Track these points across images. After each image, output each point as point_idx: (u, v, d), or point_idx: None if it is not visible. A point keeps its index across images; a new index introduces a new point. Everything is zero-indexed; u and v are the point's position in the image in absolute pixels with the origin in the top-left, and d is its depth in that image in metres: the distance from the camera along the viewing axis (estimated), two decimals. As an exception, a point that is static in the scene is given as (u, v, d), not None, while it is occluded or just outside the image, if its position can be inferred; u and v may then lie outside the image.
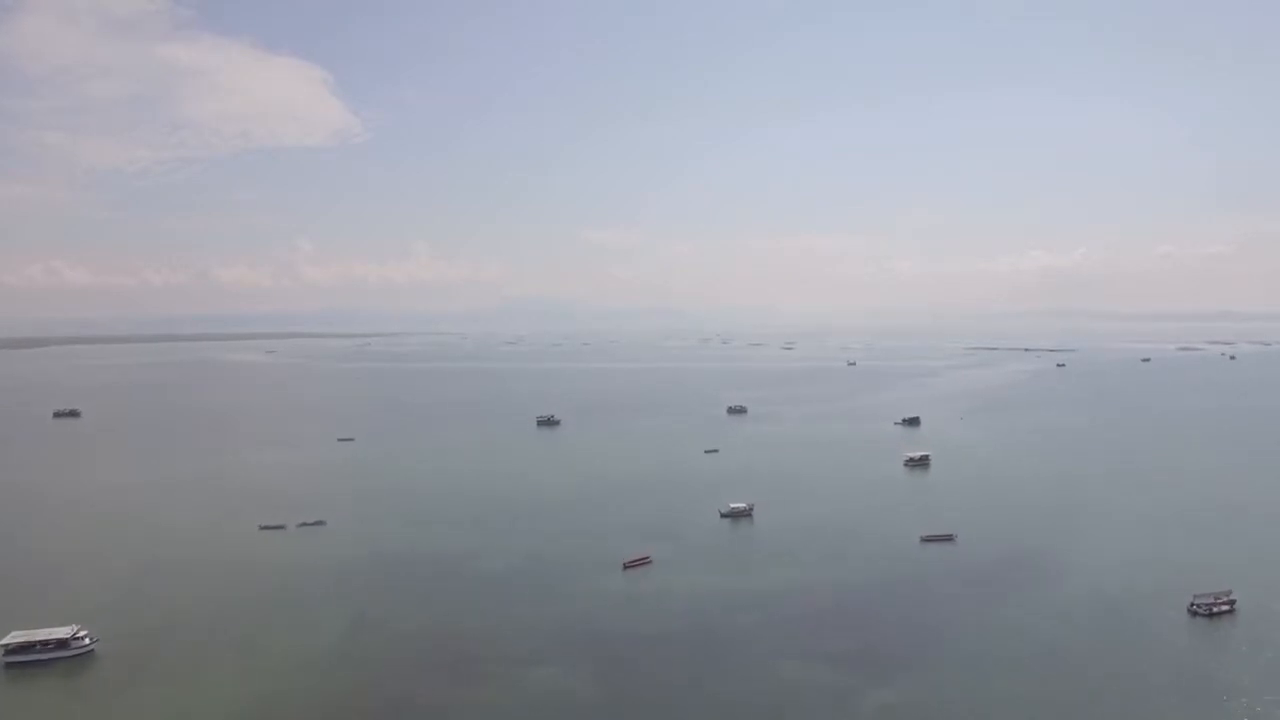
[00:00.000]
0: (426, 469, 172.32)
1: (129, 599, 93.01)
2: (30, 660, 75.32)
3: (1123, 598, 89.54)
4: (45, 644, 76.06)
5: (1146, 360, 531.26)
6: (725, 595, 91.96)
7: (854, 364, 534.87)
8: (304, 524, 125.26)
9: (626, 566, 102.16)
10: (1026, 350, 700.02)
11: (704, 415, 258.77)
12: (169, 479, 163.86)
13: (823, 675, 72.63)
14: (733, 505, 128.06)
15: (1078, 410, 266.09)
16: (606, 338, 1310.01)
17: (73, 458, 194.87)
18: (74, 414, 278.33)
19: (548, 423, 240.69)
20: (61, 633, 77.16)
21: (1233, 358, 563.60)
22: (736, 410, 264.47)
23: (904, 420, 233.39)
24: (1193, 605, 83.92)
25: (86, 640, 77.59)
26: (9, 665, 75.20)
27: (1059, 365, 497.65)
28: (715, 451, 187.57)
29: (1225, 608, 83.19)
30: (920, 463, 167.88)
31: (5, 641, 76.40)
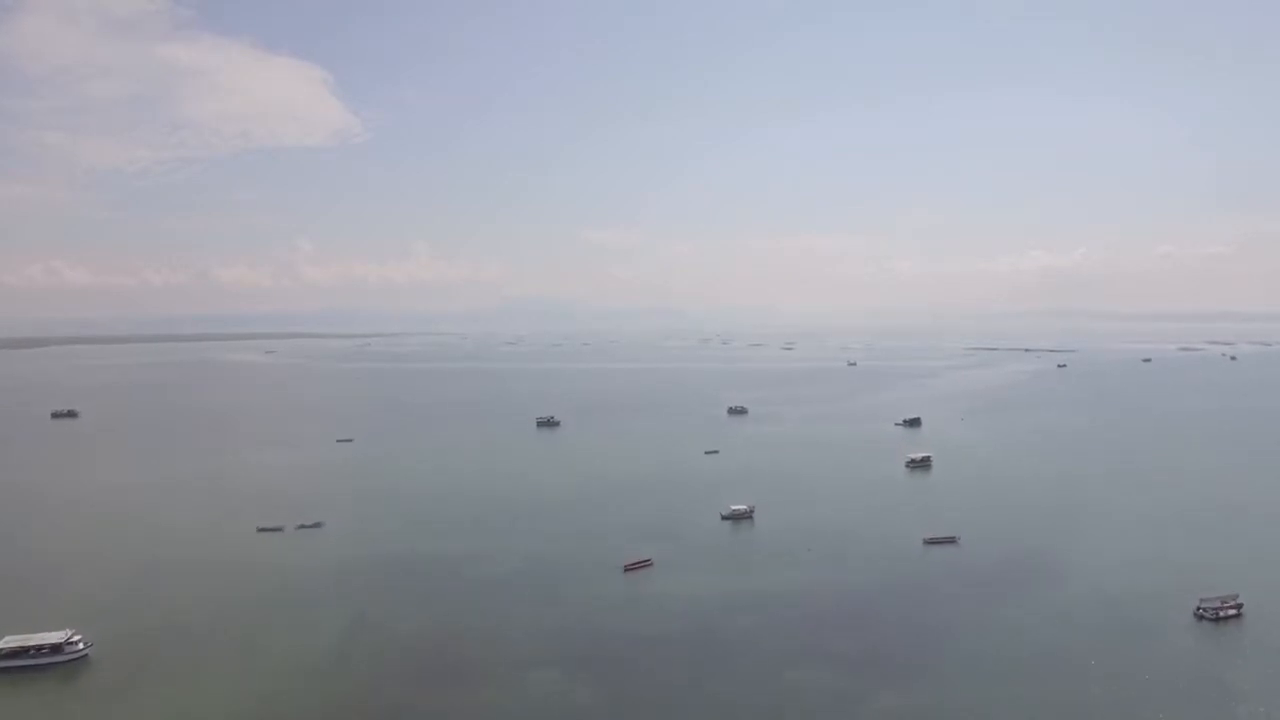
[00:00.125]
0: (426, 470, 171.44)
1: (124, 602, 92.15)
2: (22, 666, 74.31)
3: (1128, 601, 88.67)
4: (38, 649, 75.12)
5: (1147, 361, 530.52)
6: (727, 598, 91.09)
7: (854, 364, 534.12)
8: (302, 526, 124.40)
9: (627, 569, 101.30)
10: (1027, 351, 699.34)
11: (704, 416, 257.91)
12: (167, 480, 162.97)
13: (826, 679, 71.77)
14: (734, 507, 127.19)
15: (1079, 411, 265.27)
16: (606, 338, 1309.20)
17: (70, 458, 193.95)
18: (72, 414, 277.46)
19: (547, 423, 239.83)
20: (55, 637, 76.22)
21: (1233, 358, 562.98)
22: (737, 411, 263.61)
23: (905, 421, 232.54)
24: (1199, 609, 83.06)
25: (80, 645, 76.68)
26: (0, 671, 74.14)
27: (1059, 366, 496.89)
28: (716, 452, 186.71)
29: (1232, 612, 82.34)
30: (922, 464, 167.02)
31: (-3, 646, 75.42)
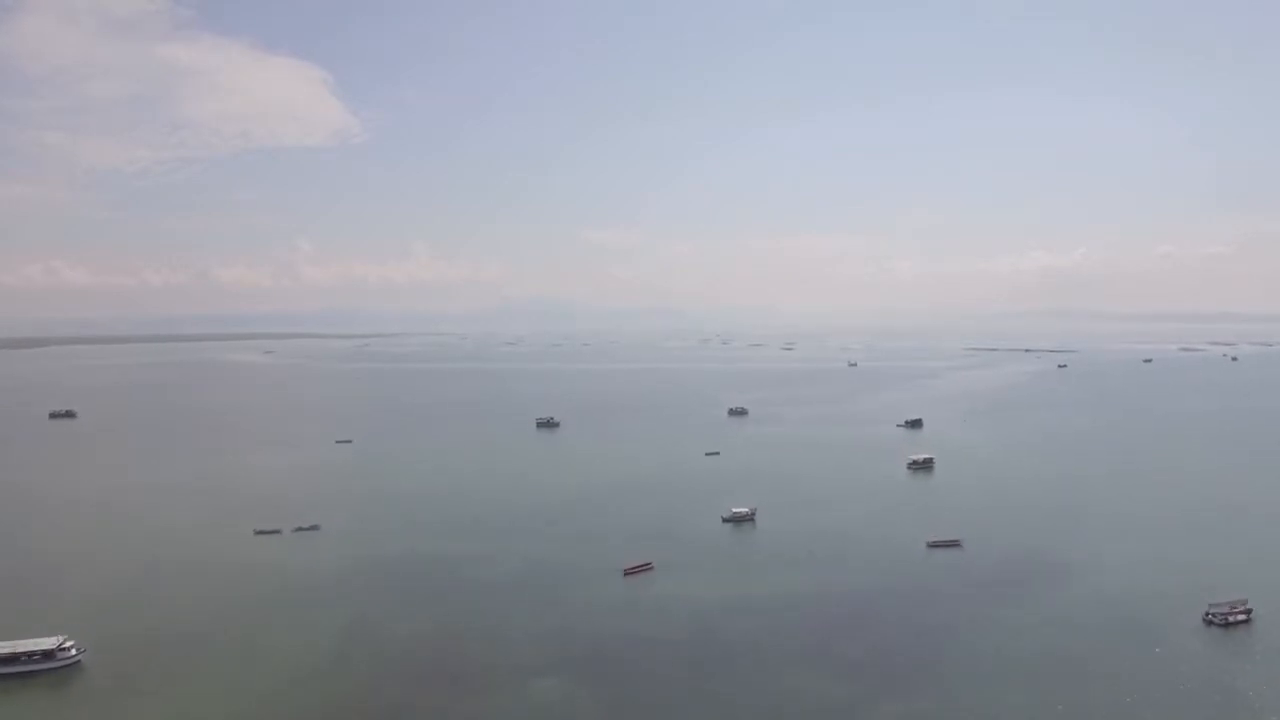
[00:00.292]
0: (424, 472, 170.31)
1: (119, 607, 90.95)
2: (13, 673, 73.12)
3: (1134, 605, 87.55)
4: (30, 655, 73.90)
5: (1148, 361, 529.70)
6: (729, 603, 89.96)
7: (854, 365, 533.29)
8: (300, 528, 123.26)
9: (628, 573, 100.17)
10: (1027, 351, 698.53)
11: (704, 417, 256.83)
12: (164, 482, 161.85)
13: (829, 684, 70.69)
14: (735, 510, 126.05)
15: (1081, 412, 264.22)
16: (606, 338, 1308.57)
17: (66, 460, 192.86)
18: (70, 415, 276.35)
19: (547, 424, 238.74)
20: (47, 643, 75.02)
21: (1234, 359, 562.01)
22: (737, 412, 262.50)
23: (906, 422, 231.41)
24: (1208, 615, 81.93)
25: (73, 651, 75.48)
26: (-8, 677, 72.95)
27: (1060, 366, 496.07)
28: (716, 454, 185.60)
29: (1241, 617, 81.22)
30: (924, 465, 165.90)
31: (-12, 652, 74.24)
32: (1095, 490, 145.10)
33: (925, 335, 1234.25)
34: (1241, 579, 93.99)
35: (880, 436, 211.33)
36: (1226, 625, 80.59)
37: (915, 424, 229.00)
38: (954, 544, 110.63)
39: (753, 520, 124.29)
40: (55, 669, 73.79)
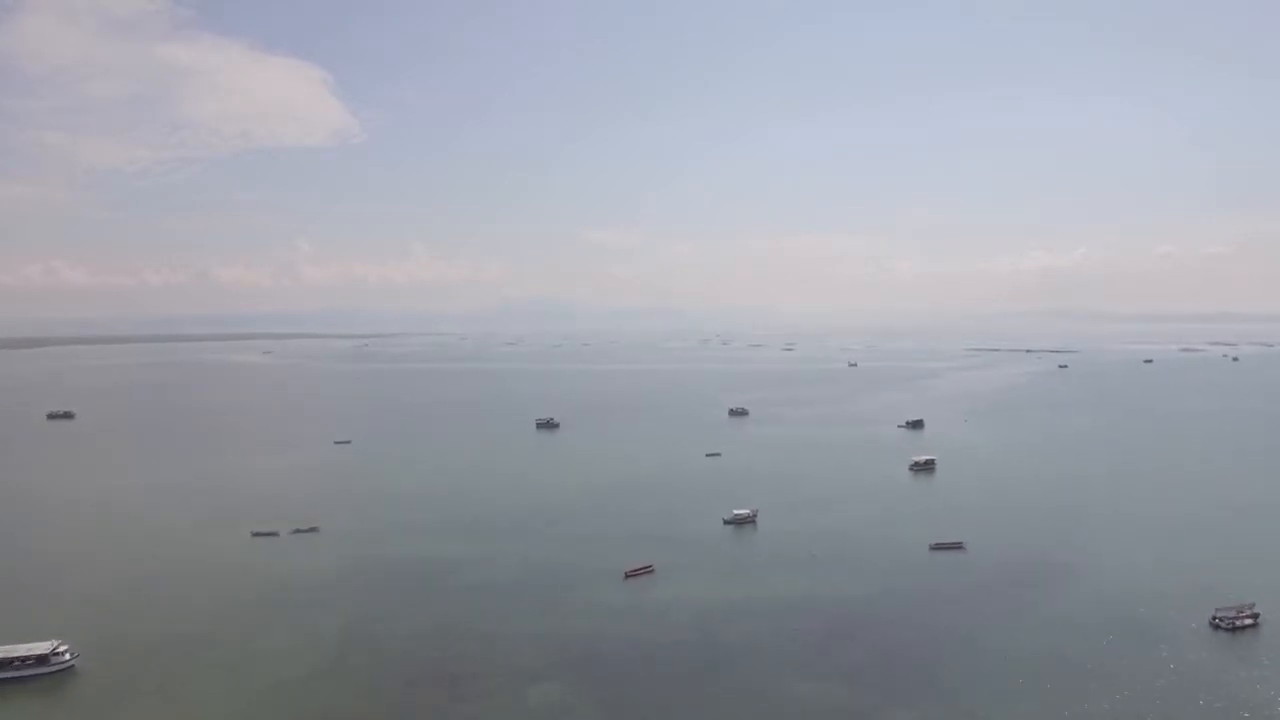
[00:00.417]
0: (423, 473, 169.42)
1: (113, 611, 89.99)
2: (5, 678, 72.06)
3: (1140, 610, 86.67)
4: (23, 660, 72.84)
5: (1149, 362, 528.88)
6: (731, 607, 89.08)
7: (855, 365, 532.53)
8: (298, 530, 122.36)
9: (628, 576, 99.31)
10: (1028, 351, 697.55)
11: (705, 417, 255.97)
12: (161, 483, 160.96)
13: (832, 691, 69.80)
14: (736, 512, 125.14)
15: (1082, 412, 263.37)
16: (606, 338, 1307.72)
17: (63, 461, 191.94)
18: (68, 415, 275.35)
19: (547, 425, 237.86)
20: (40, 648, 73.97)
21: (1236, 359, 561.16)
22: (738, 412, 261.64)
23: (908, 423, 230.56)
24: (1215, 619, 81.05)
25: (67, 655, 74.45)
26: (-16, 683, 72.03)
27: (1061, 367, 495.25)
28: (717, 455, 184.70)
29: (1249, 621, 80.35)
30: (926, 467, 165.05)
31: (-20, 657, 73.27)
32: (1098, 492, 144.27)
33: (925, 335, 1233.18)
34: (1247, 582, 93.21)
35: (881, 437, 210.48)
36: (1234, 629, 79.70)
37: (916, 425, 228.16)
38: (957, 546, 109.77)
39: (754, 522, 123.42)
40: (49, 674, 72.80)
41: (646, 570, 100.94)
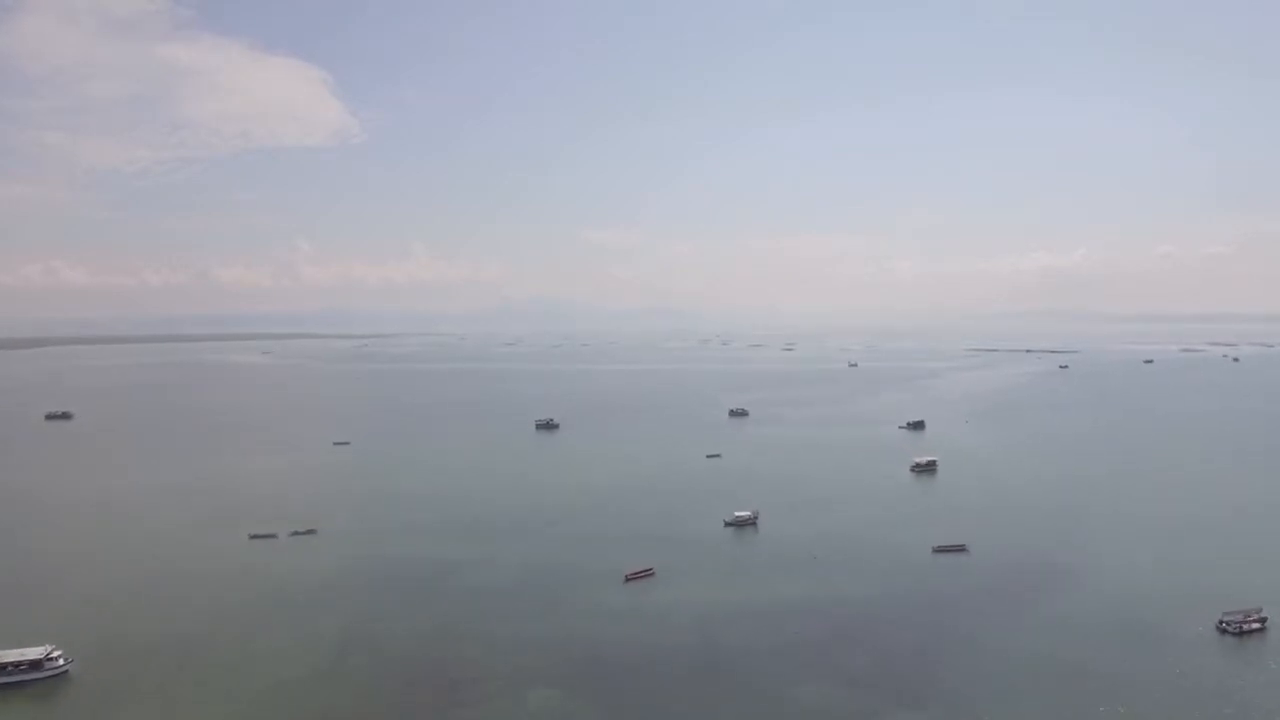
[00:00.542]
0: (422, 475, 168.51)
1: (109, 615, 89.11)
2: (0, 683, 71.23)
3: (1146, 613, 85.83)
4: (16, 665, 71.96)
5: (1150, 362, 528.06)
6: (732, 610, 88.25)
7: (855, 365, 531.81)
8: (296, 533, 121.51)
9: (629, 579, 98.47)
10: (1028, 352, 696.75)
11: (705, 418, 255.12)
12: (158, 484, 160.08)
13: (836, 696, 68.99)
14: (737, 514, 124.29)
15: (1084, 413, 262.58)
16: (606, 338, 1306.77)
17: (60, 462, 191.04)
18: (66, 416, 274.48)
19: (546, 426, 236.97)
20: (34, 653, 73.11)
21: (1236, 359, 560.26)
22: (738, 413, 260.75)
23: (909, 424, 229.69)
24: (1222, 623, 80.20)
25: (61, 661, 73.60)
26: (-23, 689, 71.10)
27: (1061, 367, 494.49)
28: (718, 456, 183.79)
29: (1256, 626, 79.50)
30: (927, 468, 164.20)
31: (-27, 662, 72.32)
32: (1100, 493, 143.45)
33: (925, 335, 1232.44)
34: (1253, 584, 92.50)
35: (882, 438, 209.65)
36: (1241, 634, 78.88)
37: (917, 426, 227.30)
38: (960, 549, 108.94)
39: (755, 524, 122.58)
40: (42, 679, 71.94)
41: (647, 573, 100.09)
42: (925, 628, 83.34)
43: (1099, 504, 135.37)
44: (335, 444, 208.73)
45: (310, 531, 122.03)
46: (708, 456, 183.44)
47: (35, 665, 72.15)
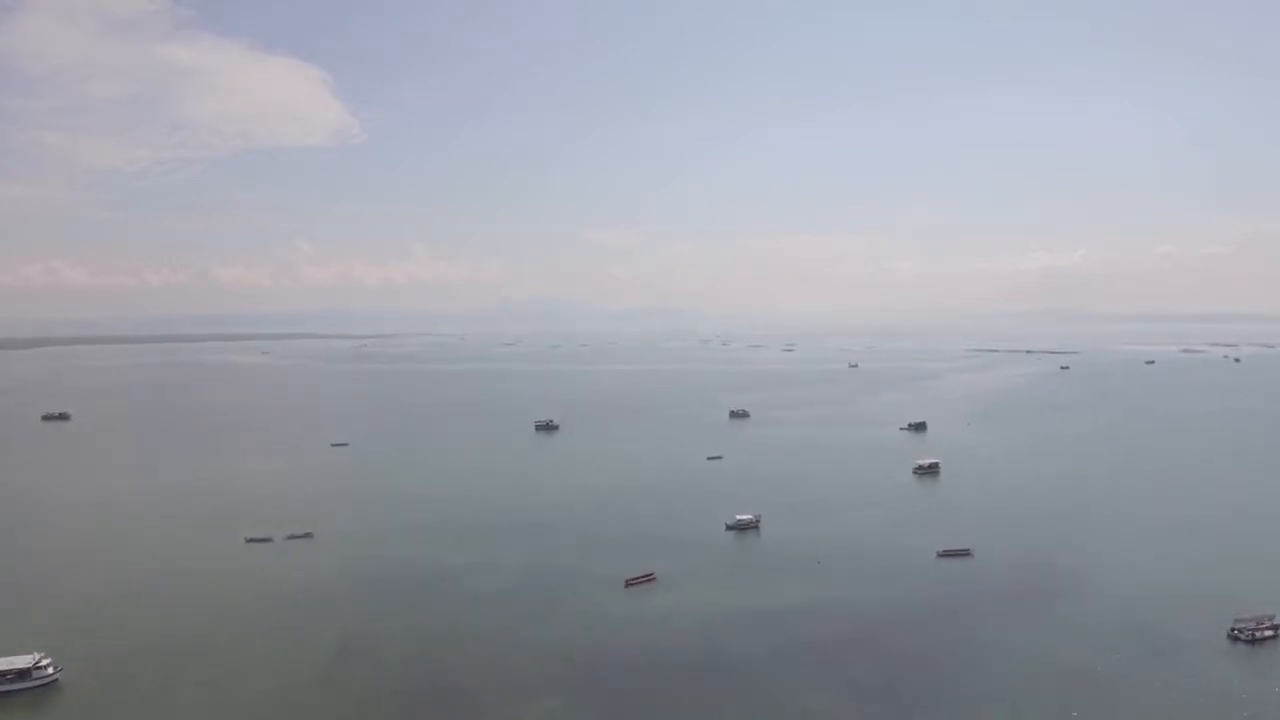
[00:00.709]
0: (420, 477, 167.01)
1: (100, 621, 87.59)
2: (-13, 693, 69.75)
3: (1155, 618, 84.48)
4: (4, 674, 70.58)
5: (1150, 363, 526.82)
6: (735, 616, 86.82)
7: (855, 366, 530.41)
8: (292, 536, 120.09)
9: (629, 584, 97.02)
10: (1028, 352, 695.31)
11: (705, 419, 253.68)
12: (155, 486, 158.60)
13: (841, 705, 67.62)
14: (739, 517, 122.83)
15: (1086, 414, 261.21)
16: (606, 339, 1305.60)
17: (56, 464, 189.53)
18: (63, 417, 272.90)
19: (546, 427, 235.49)
20: (22, 661, 71.68)
21: (1238, 360, 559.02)
22: (739, 414, 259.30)
23: (910, 425, 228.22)
24: (1233, 630, 78.75)
25: (50, 669, 72.15)
26: (-36, 698, 69.61)
27: (1062, 368, 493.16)
28: (718, 458, 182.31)
29: (1269, 633, 78.06)
30: (930, 470, 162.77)
31: (-40, 671, 70.80)
32: (1106, 495, 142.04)
33: (926, 336, 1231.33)
34: (1263, 589, 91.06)
35: (884, 440, 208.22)
36: (1253, 641, 77.46)
37: (919, 427, 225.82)
38: (964, 553, 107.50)
39: (757, 528, 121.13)
40: (31, 689, 70.50)
41: (648, 579, 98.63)
42: (931, 634, 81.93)
43: (1103, 506, 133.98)
44: (333, 445, 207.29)
45: (307, 535, 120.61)
46: (708, 458, 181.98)
47: (23, 674, 70.71)
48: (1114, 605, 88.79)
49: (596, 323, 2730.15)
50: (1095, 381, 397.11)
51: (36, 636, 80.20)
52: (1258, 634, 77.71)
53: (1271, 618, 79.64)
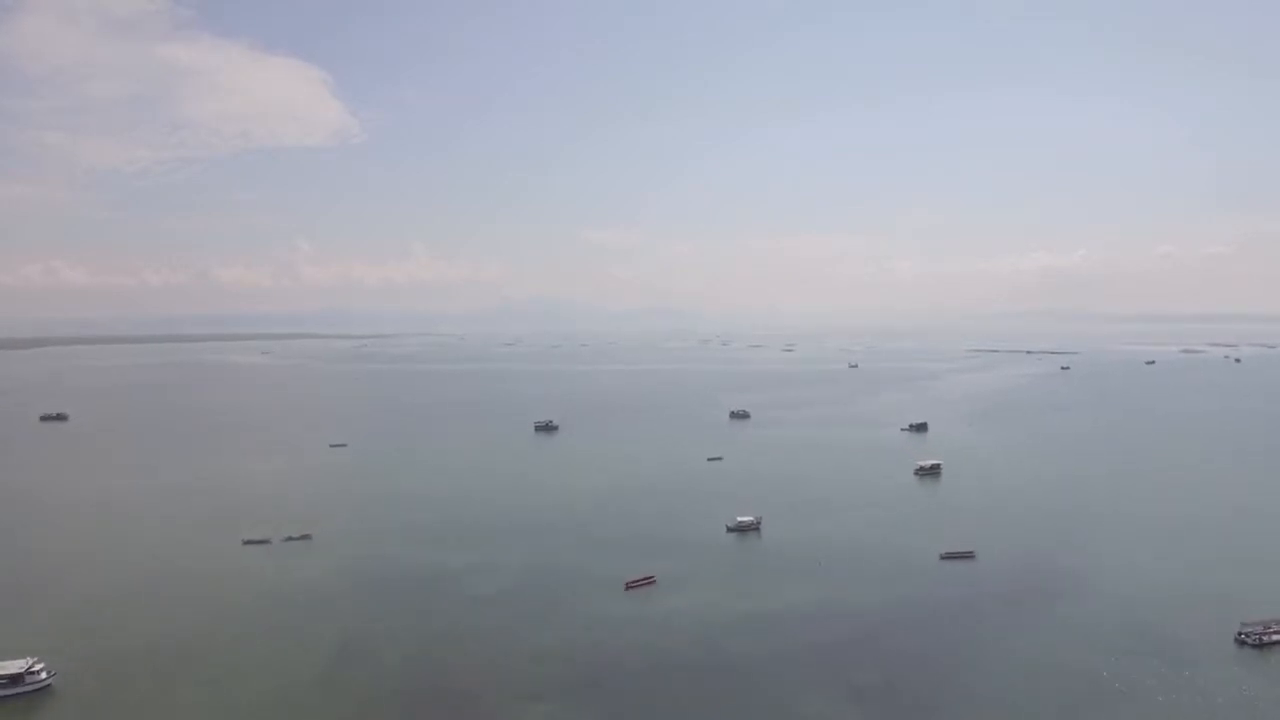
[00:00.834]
0: (419, 478, 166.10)
1: (95, 626, 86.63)
2: (-21, 698, 68.91)
3: (1160, 622, 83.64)
4: (-4, 679, 69.71)
5: (1151, 363, 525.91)
6: (736, 620, 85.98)
7: (855, 366, 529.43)
8: (290, 538, 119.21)
9: (629, 586, 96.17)
10: (1029, 353, 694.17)
11: (705, 419, 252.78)
12: (152, 488, 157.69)
13: (843, 709, 66.74)
14: (740, 519, 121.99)
15: (1087, 414, 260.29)
16: (606, 339, 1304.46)
17: (53, 464, 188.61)
18: (61, 417, 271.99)
19: (546, 427, 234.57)
20: (14, 666, 70.84)
21: (1238, 360, 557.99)
22: (739, 415, 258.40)
23: (911, 426, 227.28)
24: (1241, 634, 77.90)
25: (43, 675, 71.31)
26: (-45, 703, 68.81)
27: (1063, 368, 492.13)
28: (719, 459, 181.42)
29: (1277, 637, 77.12)
30: (931, 471, 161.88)
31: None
32: (1107, 496, 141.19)
33: (926, 336, 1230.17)
34: (1267, 592, 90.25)
35: (885, 440, 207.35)
36: (1261, 645, 76.58)
37: (920, 428, 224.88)
38: (967, 555, 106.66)
39: (758, 530, 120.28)
40: (23, 694, 69.64)
41: (648, 581, 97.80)
42: (933, 636, 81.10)
43: (1106, 507, 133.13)
44: (332, 446, 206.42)
45: (305, 537, 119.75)
46: (709, 459, 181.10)
47: (15, 680, 69.86)
48: (1118, 608, 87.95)
49: (596, 323, 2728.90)
50: (1096, 382, 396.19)
51: (29, 639, 79.43)
52: (1265, 638, 76.84)
53: (1278, 621, 78.73)
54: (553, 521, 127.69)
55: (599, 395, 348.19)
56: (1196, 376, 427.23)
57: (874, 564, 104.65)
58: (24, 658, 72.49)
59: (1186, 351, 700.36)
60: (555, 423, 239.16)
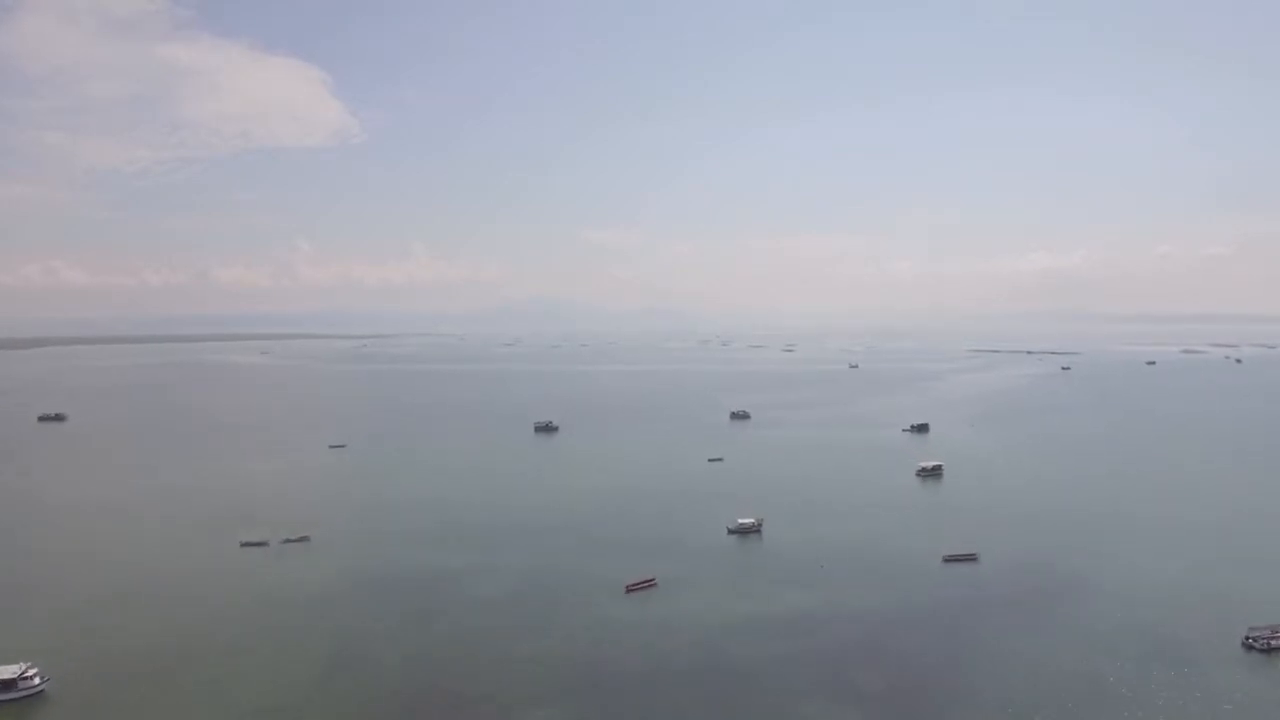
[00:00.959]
0: (418, 480, 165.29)
1: (90, 629, 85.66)
2: (-29, 703, 68.06)
3: (1165, 625, 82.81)
4: (-11, 685, 68.85)
5: (1151, 363, 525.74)
6: (737, 623, 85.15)
7: (856, 367, 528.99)
8: (288, 540, 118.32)
9: (629, 589, 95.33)
10: (1029, 353, 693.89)
11: (706, 420, 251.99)
12: (149, 489, 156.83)
13: (847, 713, 65.90)
14: (741, 521, 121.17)
15: (1088, 415, 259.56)
16: (605, 339, 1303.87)
17: (50, 465, 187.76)
18: (60, 418, 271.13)
19: (545, 428, 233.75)
20: (7, 671, 69.92)
21: (1239, 361, 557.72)
22: (739, 415, 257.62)
23: (912, 427, 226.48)
24: (1247, 639, 77.05)
25: (36, 679, 70.41)
26: (-53, 708, 68.00)
27: (1064, 368, 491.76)
28: (719, 460, 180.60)
29: (1284, 641, 76.29)
30: (933, 473, 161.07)
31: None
32: (1111, 497, 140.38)
33: (926, 336, 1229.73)
34: (1267, 590, 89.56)
35: (886, 441, 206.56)
36: (1269, 650, 75.73)
37: (921, 429, 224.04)
38: (970, 558, 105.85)
39: (759, 532, 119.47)
40: (16, 700, 68.72)
41: (648, 584, 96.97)
42: (937, 641, 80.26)
43: (1108, 508, 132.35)
44: (331, 447, 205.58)
45: (303, 539, 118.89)
46: (709, 460, 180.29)
47: (8, 685, 68.94)
48: (1123, 611, 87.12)
49: (596, 323, 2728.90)
50: (1096, 382, 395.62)
51: (22, 645, 78.42)
52: (1273, 643, 75.97)
53: (1286, 625, 77.95)
54: (553, 523, 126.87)
55: (599, 396, 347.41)
56: (1197, 377, 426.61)
57: (876, 566, 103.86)
58: (17, 663, 71.60)
59: (1187, 352, 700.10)
60: (555, 423, 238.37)
